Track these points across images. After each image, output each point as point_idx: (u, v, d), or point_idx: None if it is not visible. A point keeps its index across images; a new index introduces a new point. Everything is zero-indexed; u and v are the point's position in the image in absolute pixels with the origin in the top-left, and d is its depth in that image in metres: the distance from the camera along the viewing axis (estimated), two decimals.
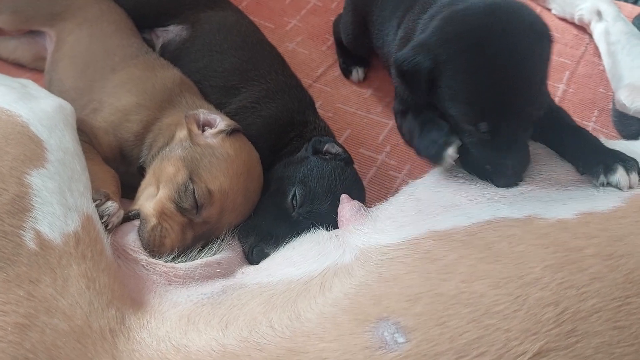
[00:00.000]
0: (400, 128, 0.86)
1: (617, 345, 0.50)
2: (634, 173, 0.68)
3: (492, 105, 0.68)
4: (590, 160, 0.71)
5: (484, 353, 0.48)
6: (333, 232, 0.76)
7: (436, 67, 0.70)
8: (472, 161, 0.72)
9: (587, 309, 0.50)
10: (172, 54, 1.08)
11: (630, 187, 0.67)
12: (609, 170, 0.68)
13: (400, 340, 0.50)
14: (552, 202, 0.64)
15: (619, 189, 0.66)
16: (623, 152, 0.72)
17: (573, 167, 0.73)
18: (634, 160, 0.69)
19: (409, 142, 0.82)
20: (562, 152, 0.75)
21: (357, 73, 1.19)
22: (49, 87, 1.03)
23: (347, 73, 1.20)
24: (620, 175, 0.67)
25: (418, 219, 0.69)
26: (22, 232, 0.60)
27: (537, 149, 0.75)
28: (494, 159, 0.70)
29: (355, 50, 1.18)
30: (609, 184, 0.68)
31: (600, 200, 0.63)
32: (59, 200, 0.66)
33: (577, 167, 0.73)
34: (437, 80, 0.71)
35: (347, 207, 0.78)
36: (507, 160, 0.69)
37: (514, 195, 0.68)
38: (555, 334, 0.49)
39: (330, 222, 0.79)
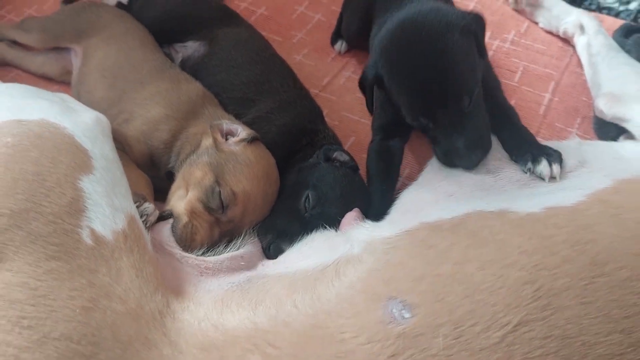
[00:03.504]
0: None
1: (585, 317, 0.60)
2: (556, 164, 0.80)
3: (422, 101, 0.80)
4: (523, 152, 0.84)
5: (476, 323, 0.59)
6: (339, 231, 0.86)
7: (379, 77, 0.85)
8: (438, 153, 0.86)
9: (559, 286, 0.61)
10: (191, 68, 1.17)
11: (552, 177, 0.79)
12: (535, 161, 0.81)
13: (407, 315, 0.60)
14: (519, 197, 0.75)
15: (542, 178, 0.80)
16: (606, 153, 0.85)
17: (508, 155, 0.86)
18: (558, 153, 0.82)
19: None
20: (503, 144, 0.89)
21: (341, 45, 1.35)
22: (78, 99, 1.11)
23: (333, 42, 1.37)
24: (543, 166, 0.80)
25: (407, 216, 0.79)
26: (79, 230, 0.70)
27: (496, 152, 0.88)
28: (447, 145, 0.82)
29: (351, 44, 1.34)
30: (533, 173, 0.81)
31: (563, 196, 0.74)
32: (107, 202, 0.75)
33: (511, 157, 0.86)
34: (384, 88, 0.85)
35: (348, 214, 0.89)
36: (456, 143, 0.81)
37: (484, 189, 0.79)
38: (533, 307, 0.60)
39: (338, 223, 0.88)
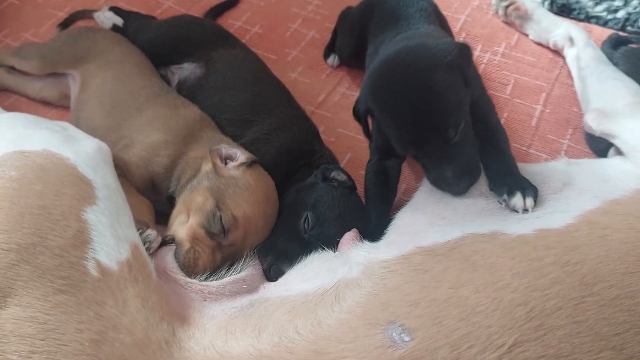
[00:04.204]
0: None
1: (577, 336, 0.62)
2: (529, 198, 0.83)
3: (409, 134, 0.83)
4: (500, 182, 0.86)
5: (472, 345, 0.61)
6: (337, 252, 0.87)
7: (370, 110, 0.88)
8: (428, 179, 0.89)
9: (551, 307, 0.63)
10: (188, 90, 1.19)
11: (525, 210, 0.82)
12: (510, 193, 0.84)
13: (406, 339, 0.62)
14: (509, 220, 0.78)
15: (516, 211, 0.83)
16: (591, 174, 0.87)
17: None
18: (534, 188, 0.84)
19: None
20: (485, 168, 0.90)
21: (333, 59, 1.38)
22: (77, 125, 1.12)
23: (326, 56, 1.40)
24: (517, 199, 0.83)
25: (403, 239, 0.82)
26: (85, 262, 0.71)
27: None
28: (435, 174, 0.86)
29: (345, 61, 1.37)
30: (507, 205, 0.83)
31: (552, 219, 0.76)
32: (111, 232, 0.77)
33: (490, 183, 0.88)
34: (375, 119, 0.88)
35: (346, 235, 0.91)
36: (445, 172, 0.84)
37: (476, 212, 0.82)
38: (526, 328, 0.62)
39: (337, 243, 0.90)
